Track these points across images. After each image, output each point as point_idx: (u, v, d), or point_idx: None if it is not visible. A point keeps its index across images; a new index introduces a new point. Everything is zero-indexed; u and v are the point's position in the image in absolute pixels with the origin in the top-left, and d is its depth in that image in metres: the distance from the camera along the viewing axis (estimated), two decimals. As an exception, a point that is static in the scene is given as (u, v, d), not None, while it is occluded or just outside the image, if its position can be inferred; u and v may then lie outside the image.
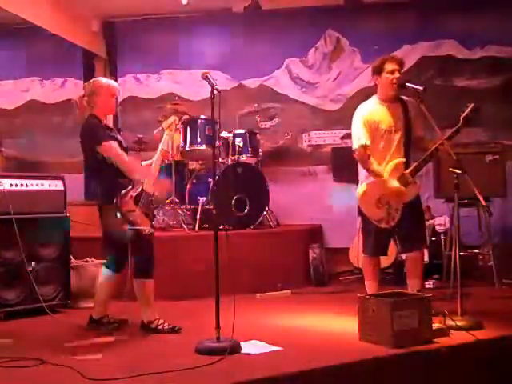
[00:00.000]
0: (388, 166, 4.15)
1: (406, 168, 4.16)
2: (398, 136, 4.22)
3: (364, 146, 4.14)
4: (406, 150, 4.24)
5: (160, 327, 4.01)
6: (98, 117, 4.09)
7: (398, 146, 4.22)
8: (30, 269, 4.62)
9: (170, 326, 4.02)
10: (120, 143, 4.12)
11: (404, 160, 4.18)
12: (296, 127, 7.14)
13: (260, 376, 2.93)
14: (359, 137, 4.18)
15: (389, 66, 4.20)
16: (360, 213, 4.31)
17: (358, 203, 4.25)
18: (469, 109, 4.05)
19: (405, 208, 4.11)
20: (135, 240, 3.98)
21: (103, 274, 4.19)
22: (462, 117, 4.05)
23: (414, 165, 4.17)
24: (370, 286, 4.30)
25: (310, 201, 6.90)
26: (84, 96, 4.13)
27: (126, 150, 4.20)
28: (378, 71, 4.24)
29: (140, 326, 4.10)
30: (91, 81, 4.23)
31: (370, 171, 4.16)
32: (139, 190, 4.02)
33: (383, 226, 4.15)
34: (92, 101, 4.07)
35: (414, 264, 4.27)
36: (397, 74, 4.19)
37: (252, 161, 6.39)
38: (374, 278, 4.32)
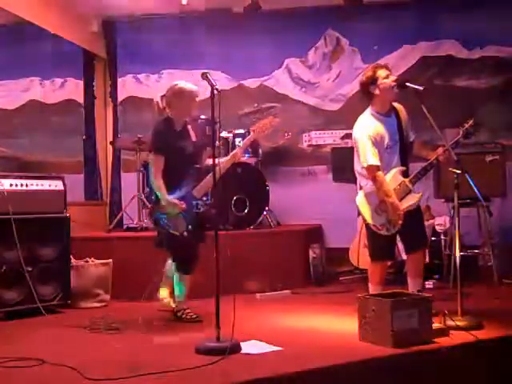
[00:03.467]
0: (388, 175, 4.15)
1: (405, 176, 4.17)
2: (397, 148, 4.22)
3: (376, 167, 4.11)
4: (404, 159, 4.24)
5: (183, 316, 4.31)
6: (172, 120, 4.27)
7: (398, 157, 4.22)
8: (30, 269, 4.62)
9: (193, 316, 4.30)
10: (182, 149, 4.26)
11: (404, 168, 4.20)
12: (296, 127, 7.13)
13: (260, 376, 2.92)
14: (369, 156, 4.11)
15: (382, 73, 4.17)
16: (363, 219, 4.30)
17: (359, 209, 4.25)
18: (468, 124, 4.14)
19: (405, 213, 4.12)
20: (170, 240, 4.24)
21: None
22: (461, 131, 4.12)
23: (413, 173, 4.19)
24: (375, 291, 4.22)
25: (309, 201, 6.90)
26: (164, 96, 4.31)
27: (193, 152, 4.35)
28: (372, 81, 4.16)
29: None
30: (173, 84, 4.33)
31: (379, 190, 4.12)
32: (182, 194, 4.19)
33: (384, 233, 4.14)
34: (171, 103, 4.26)
35: (416, 263, 4.28)
36: (393, 77, 4.19)
37: (252, 161, 6.38)
38: (380, 283, 4.29)
